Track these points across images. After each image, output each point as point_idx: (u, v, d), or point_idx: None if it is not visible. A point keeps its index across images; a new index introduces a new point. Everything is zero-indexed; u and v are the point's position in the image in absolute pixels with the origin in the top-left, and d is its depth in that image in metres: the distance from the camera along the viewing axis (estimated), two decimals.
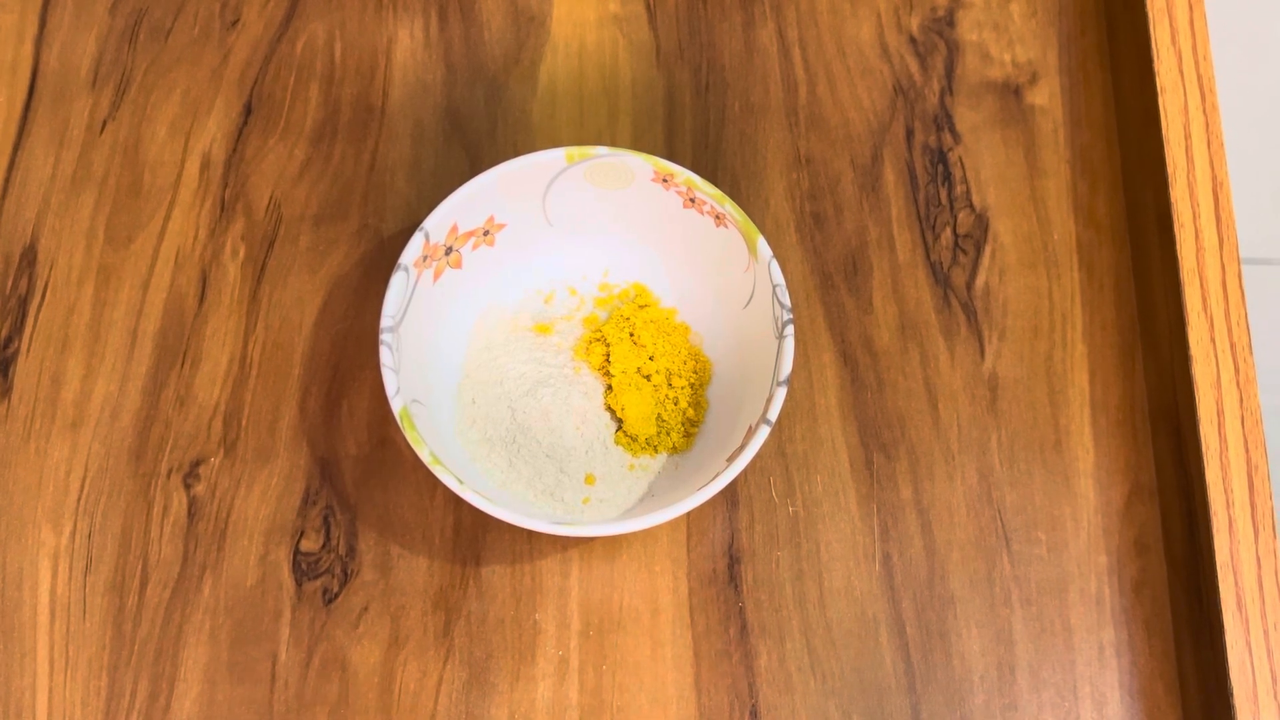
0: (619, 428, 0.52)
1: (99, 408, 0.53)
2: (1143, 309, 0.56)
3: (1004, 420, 0.54)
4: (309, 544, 0.52)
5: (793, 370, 0.53)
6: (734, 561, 0.52)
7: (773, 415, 0.47)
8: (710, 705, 0.50)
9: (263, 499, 0.52)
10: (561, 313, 0.54)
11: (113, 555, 0.51)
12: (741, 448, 0.47)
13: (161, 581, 0.51)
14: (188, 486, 0.52)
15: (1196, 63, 0.56)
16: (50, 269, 0.56)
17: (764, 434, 0.47)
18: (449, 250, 0.51)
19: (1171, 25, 0.56)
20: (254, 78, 0.59)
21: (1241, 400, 0.50)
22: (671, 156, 0.58)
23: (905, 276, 0.56)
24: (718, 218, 0.51)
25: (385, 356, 0.47)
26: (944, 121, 0.59)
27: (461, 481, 0.46)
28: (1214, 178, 0.54)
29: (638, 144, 0.58)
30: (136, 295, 0.55)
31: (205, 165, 0.58)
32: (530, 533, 0.51)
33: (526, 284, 0.54)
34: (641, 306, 0.54)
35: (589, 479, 0.51)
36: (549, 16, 0.61)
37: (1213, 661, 0.48)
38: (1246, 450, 0.50)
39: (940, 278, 0.56)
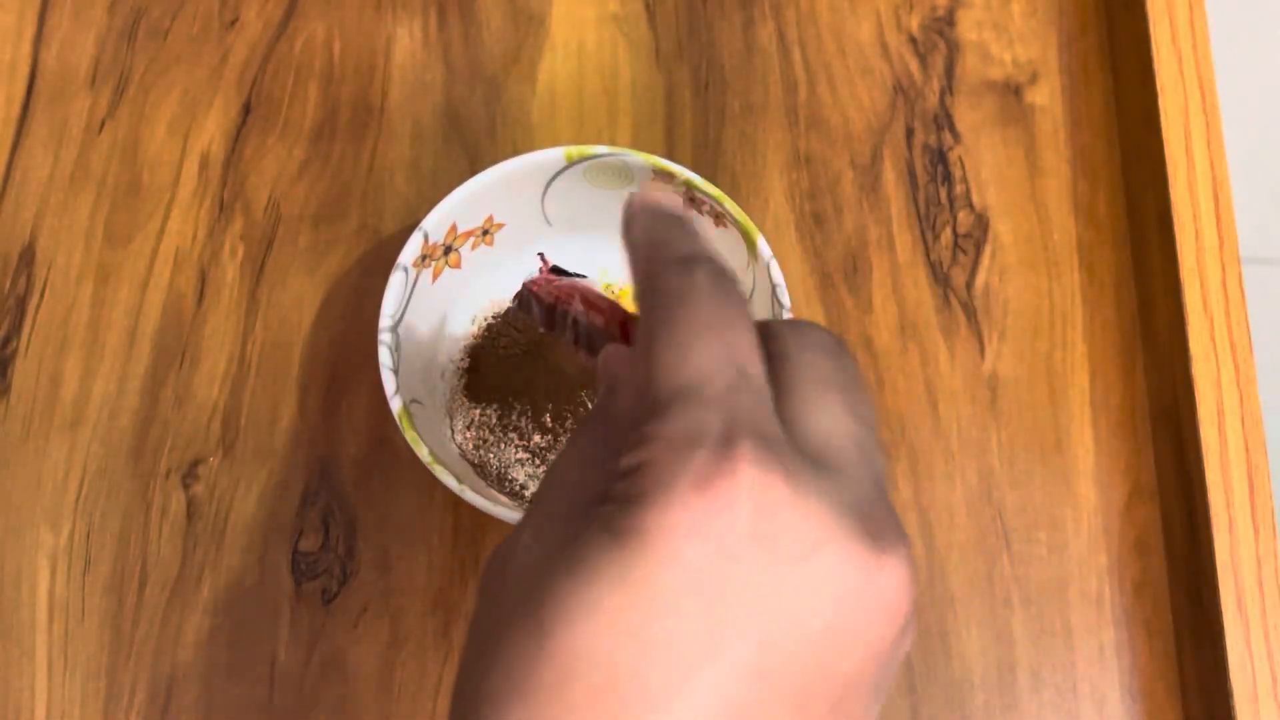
0: None
1: (97, 407, 0.53)
2: (1143, 309, 0.56)
3: (1004, 420, 0.54)
4: (308, 544, 0.52)
5: None
6: None
7: None
8: None
9: (261, 499, 0.52)
10: None
11: (111, 556, 0.51)
12: None
13: (160, 582, 0.51)
14: (186, 486, 0.52)
15: (1197, 62, 0.55)
16: (49, 269, 0.56)
17: None
18: (448, 250, 0.51)
19: (1172, 25, 0.56)
20: (253, 77, 0.59)
21: (1242, 400, 0.50)
22: (671, 156, 0.58)
23: (905, 276, 0.56)
24: (717, 217, 0.51)
25: (384, 356, 0.47)
26: (944, 121, 0.59)
27: (460, 481, 0.46)
28: (1214, 177, 0.54)
29: (637, 143, 0.58)
30: (135, 295, 0.55)
31: (204, 165, 0.57)
32: None
33: None
34: None
35: None
36: (548, 16, 0.61)
37: (1213, 662, 0.48)
38: (1247, 450, 0.50)
39: (940, 277, 0.56)
